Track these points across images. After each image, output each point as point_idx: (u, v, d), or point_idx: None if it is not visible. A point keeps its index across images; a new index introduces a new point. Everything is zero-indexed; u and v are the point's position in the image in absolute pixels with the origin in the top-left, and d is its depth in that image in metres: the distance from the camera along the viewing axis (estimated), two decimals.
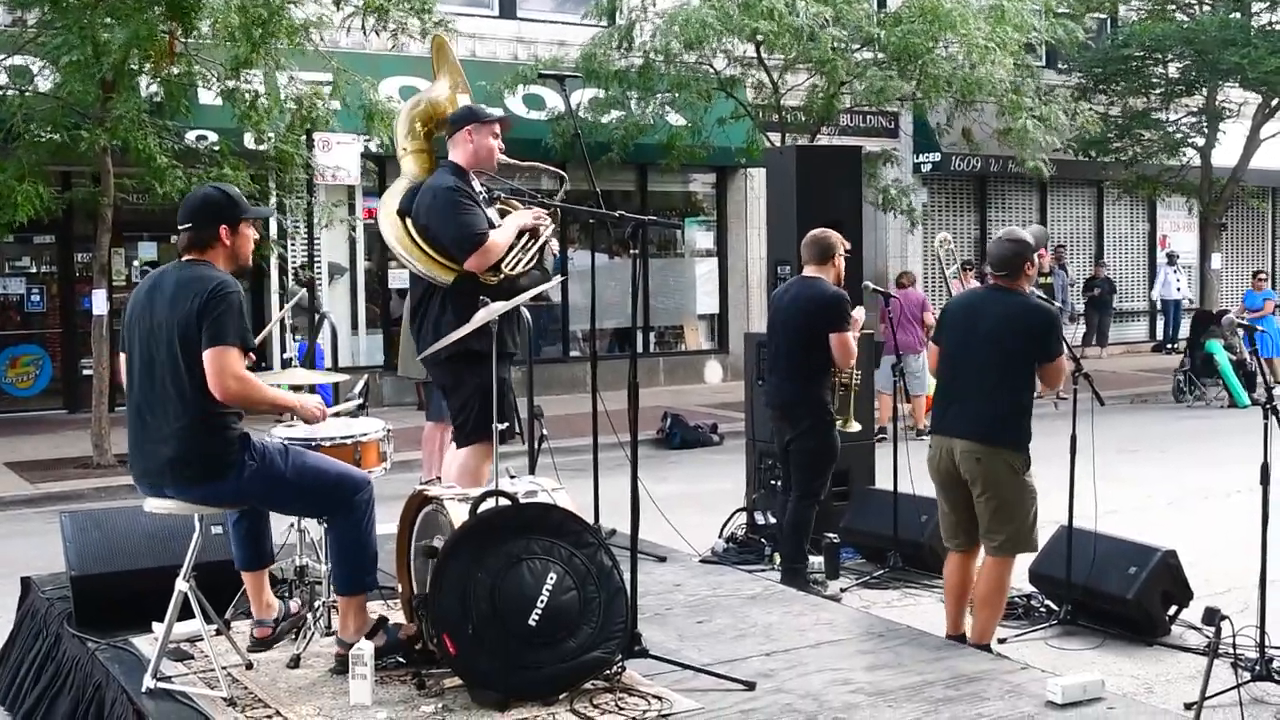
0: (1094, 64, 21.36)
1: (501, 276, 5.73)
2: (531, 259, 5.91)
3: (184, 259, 4.80)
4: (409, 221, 5.84)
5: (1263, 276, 20.12)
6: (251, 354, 4.68)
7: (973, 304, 6.25)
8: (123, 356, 4.94)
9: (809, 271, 7.44)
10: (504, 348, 5.41)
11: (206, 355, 4.53)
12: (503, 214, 5.98)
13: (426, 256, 5.75)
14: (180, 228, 4.82)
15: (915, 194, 19.54)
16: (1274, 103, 21.34)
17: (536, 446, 7.33)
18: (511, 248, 5.80)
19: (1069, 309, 18.87)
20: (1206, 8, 21.82)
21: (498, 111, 6.13)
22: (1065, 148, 20.89)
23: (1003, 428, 5.92)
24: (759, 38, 16.03)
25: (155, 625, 5.05)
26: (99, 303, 12.95)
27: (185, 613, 4.81)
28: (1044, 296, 6.72)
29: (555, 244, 6.21)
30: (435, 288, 5.80)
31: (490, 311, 5.03)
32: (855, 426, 7.62)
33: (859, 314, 7.46)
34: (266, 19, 11.93)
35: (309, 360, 8.49)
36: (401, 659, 4.98)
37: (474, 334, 5.17)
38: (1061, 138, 18.60)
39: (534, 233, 5.94)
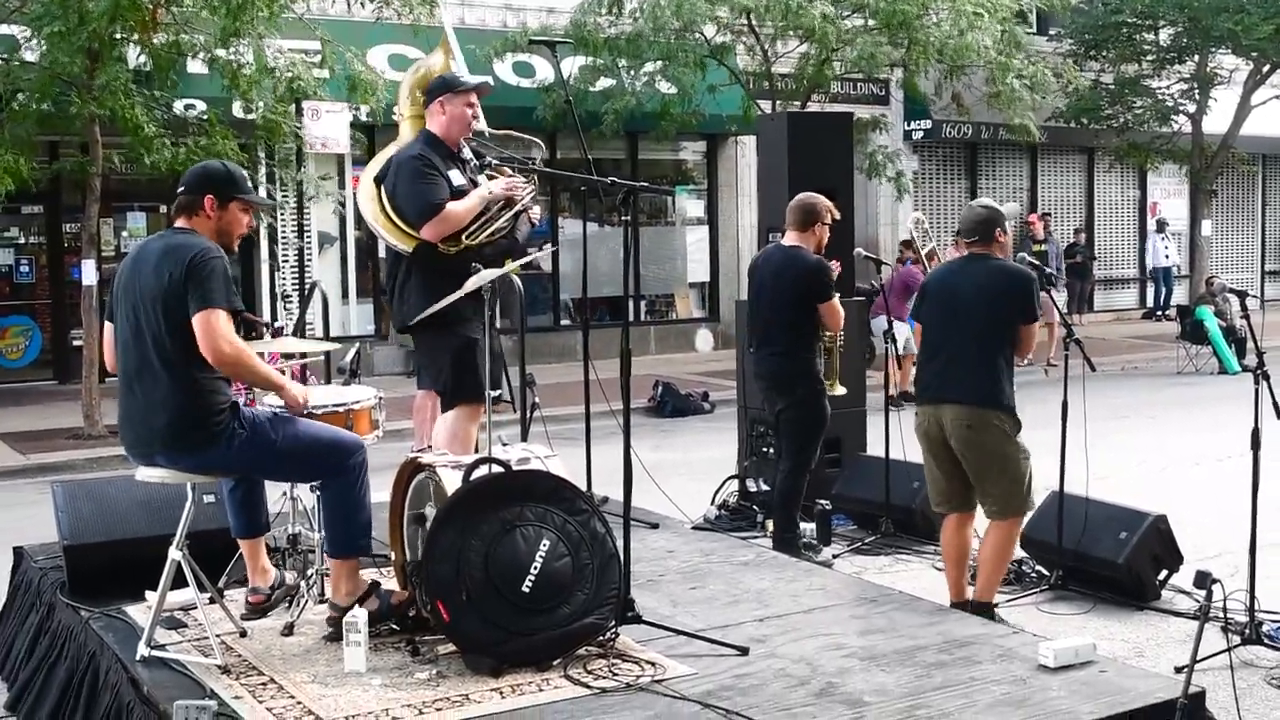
0: (1085, 30, 21.29)
1: (461, 246, 5.76)
2: (500, 229, 5.90)
3: (171, 226, 4.81)
4: (383, 189, 5.95)
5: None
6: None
7: (951, 274, 6.27)
8: (108, 327, 4.93)
9: (790, 239, 7.34)
10: (469, 314, 5.51)
11: (196, 319, 4.50)
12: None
13: (391, 224, 5.86)
14: (176, 193, 4.85)
15: (904, 160, 19.46)
16: (1265, 69, 21.32)
17: (528, 414, 7.33)
18: (479, 217, 5.80)
19: (1061, 277, 18.84)
20: None
21: (475, 79, 6.16)
22: (1056, 114, 20.84)
23: (992, 390, 5.93)
24: (749, 5, 15.95)
25: (148, 594, 5.04)
26: (88, 273, 12.90)
27: (179, 581, 4.81)
28: (1036, 264, 6.70)
29: (537, 211, 6.20)
30: (404, 257, 5.92)
31: (481, 278, 5.02)
32: (840, 390, 7.58)
33: (834, 267, 7.40)
34: None
35: None
36: (396, 625, 4.98)
37: (438, 301, 5.28)
38: (1048, 95, 18.50)
39: (509, 202, 5.93)
